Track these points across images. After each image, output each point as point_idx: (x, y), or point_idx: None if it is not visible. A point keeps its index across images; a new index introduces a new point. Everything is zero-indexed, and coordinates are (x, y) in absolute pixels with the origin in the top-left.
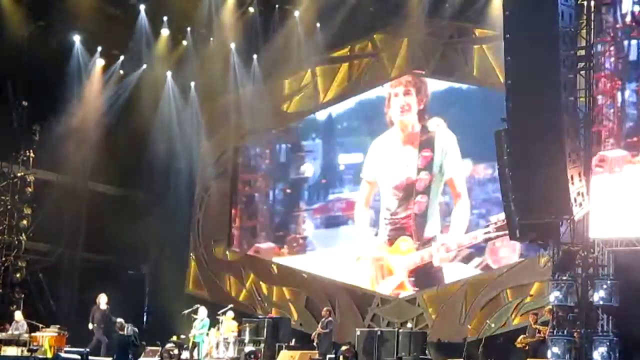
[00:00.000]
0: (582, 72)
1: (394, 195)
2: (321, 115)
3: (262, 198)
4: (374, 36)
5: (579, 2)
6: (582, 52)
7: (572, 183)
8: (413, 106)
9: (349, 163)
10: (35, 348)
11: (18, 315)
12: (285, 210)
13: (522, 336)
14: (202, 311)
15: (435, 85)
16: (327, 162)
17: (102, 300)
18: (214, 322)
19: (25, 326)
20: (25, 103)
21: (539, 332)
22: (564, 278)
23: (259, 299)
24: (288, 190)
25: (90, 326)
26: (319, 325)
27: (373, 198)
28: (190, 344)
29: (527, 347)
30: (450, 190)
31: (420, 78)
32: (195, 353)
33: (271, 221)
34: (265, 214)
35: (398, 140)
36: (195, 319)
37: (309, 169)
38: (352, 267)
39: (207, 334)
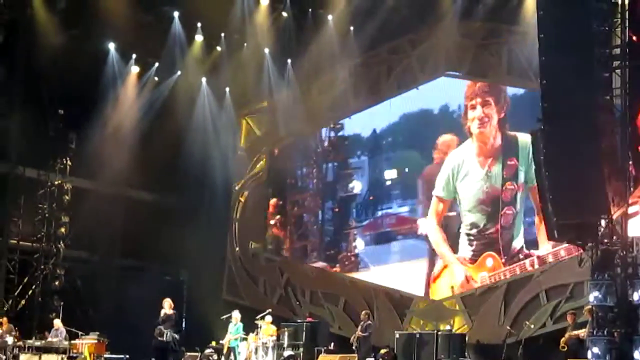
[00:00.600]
0: (618, 71)
1: (479, 209)
2: (366, 132)
3: (311, 218)
4: (408, 38)
5: (613, 0)
6: (617, 51)
7: (609, 182)
8: (493, 116)
9: (394, 178)
10: (75, 355)
11: (57, 322)
12: (335, 229)
13: (564, 337)
14: (236, 315)
15: (513, 90)
16: (374, 178)
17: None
18: (252, 327)
19: (65, 333)
20: (61, 111)
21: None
22: (603, 278)
23: (297, 303)
24: (337, 209)
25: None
26: (358, 329)
27: (446, 213)
28: (225, 350)
29: (566, 348)
30: (533, 200)
31: (498, 86)
32: (231, 358)
33: (322, 240)
34: (315, 234)
35: (476, 152)
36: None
37: (357, 186)
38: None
39: (244, 339)
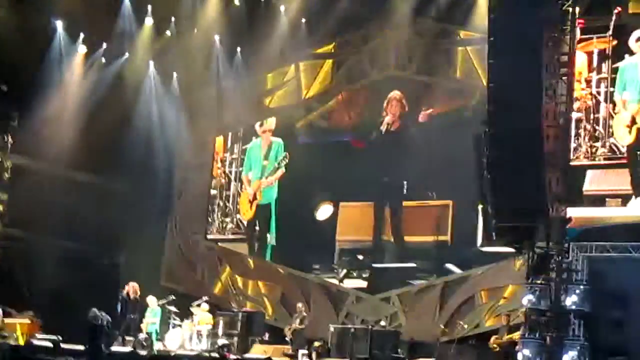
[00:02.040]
0: (564, 78)
1: None
2: None
3: None
4: (360, 33)
5: (563, 8)
6: (565, 58)
7: (550, 187)
8: None
9: None
10: (6, 335)
11: None
12: None
13: (494, 336)
14: (152, 300)
15: None
16: None
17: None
18: (187, 314)
19: (0, 312)
20: (4, 88)
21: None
22: (538, 282)
23: (234, 292)
24: None
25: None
26: (293, 320)
27: None
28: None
29: (498, 349)
30: None
31: None
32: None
33: None
34: None
35: None
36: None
37: None
38: None
39: (178, 325)
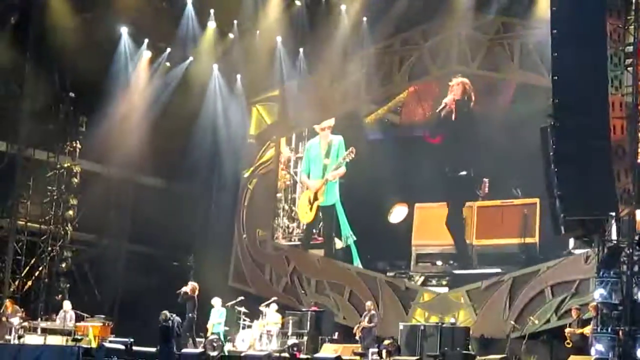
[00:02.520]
0: (630, 69)
1: None
2: None
3: None
4: (421, 30)
5: None
6: (630, 49)
7: (619, 180)
8: None
9: None
10: (79, 337)
11: (67, 304)
12: None
13: (567, 331)
14: (217, 301)
15: None
16: None
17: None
18: (257, 314)
19: (73, 316)
20: (72, 94)
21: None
22: (609, 275)
23: (302, 291)
24: None
25: None
26: (362, 319)
27: None
28: (209, 335)
29: (570, 344)
30: None
31: None
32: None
33: None
34: None
35: None
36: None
37: None
38: None
39: (249, 326)
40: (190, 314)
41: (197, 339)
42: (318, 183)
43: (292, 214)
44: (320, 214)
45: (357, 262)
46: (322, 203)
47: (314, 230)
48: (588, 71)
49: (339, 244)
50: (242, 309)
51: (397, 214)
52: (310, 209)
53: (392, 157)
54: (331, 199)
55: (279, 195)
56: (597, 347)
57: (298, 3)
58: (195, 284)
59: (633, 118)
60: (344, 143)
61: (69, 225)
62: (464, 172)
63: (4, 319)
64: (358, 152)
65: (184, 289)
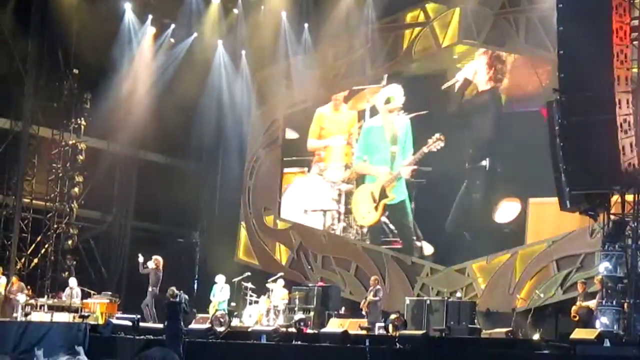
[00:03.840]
0: (635, 43)
1: None
2: None
3: None
4: (426, 5)
5: None
6: (635, 23)
7: (624, 153)
8: None
9: None
10: (87, 314)
11: (73, 281)
12: None
13: (574, 307)
14: (220, 278)
15: None
16: None
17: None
18: (264, 290)
19: (79, 293)
20: (76, 71)
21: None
22: (614, 249)
23: (309, 267)
24: None
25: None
26: (368, 294)
27: None
28: (213, 312)
29: (577, 318)
30: None
31: None
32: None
33: None
34: None
35: None
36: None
37: None
38: None
39: (256, 302)
40: (152, 288)
41: (204, 315)
42: (385, 176)
43: (343, 213)
44: (387, 215)
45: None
46: (391, 201)
47: (388, 233)
48: (593, 45)
49: (428, 248)
50: (249, 285)
51: (506, 211)
52: (376, 208)
53: (494, 139)
54: (401, 195)
55: (336, 189)
56: (602, 320)
57: None
58: (160, 259)
59: (638, 91)
60: (411, 126)
61: (75, 202)
62: None
63: (10, 296)
64: (492, 128)
65: (149, 263)
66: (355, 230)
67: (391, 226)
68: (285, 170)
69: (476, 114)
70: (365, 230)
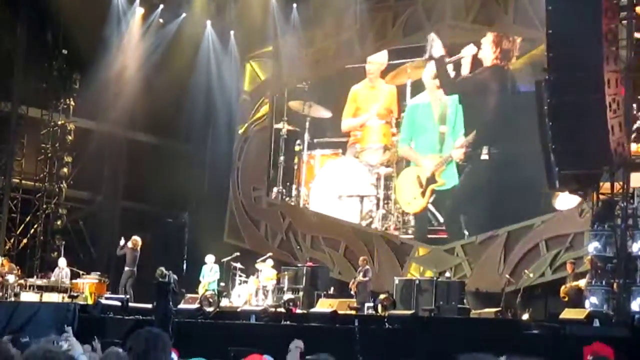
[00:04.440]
0: (624, 22)
1: None
2: None
3: None
4: None
5: None
6: (624, 2)
7: (613, 133)
8: None
9: None
10: (76, 294)
11: (62, 262)
12: None
13: (563, 287)
14: (210, 258)
15: None
16: None
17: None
18: (253, 270)
19: (68, 273)
20: (65, 52)
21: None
22: (603, 228)
23: (297, 247)
24: None
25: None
26: (357, 274)
27: None
28: (203, 292)
29: (566, 298)
30: None
31: None
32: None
33: None
34: None
35: None
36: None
37: None
38: None
39: (245, 282)
40: (127, 267)
41: (193, 295)
42: (434, 159)
43: (386, 203)
44: (433, 201)
45: None
46: (440, 187)
47: (434, 221)
48: (582, 25)
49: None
50: (238, 265)
51: (567, 198)
52: (423, 194)
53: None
54: (451, 180)
55: (374, 172)
56: (592, 300)
57: None
58: (138, 239)
59: (628, 71)
60: (459, 104)
61: (64, 182)
62: None
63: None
64: (497, 109)
65: (128, 242)
66: (395, 218)
67: (437, 215)
68: (315, 152)
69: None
70: (407, 218)
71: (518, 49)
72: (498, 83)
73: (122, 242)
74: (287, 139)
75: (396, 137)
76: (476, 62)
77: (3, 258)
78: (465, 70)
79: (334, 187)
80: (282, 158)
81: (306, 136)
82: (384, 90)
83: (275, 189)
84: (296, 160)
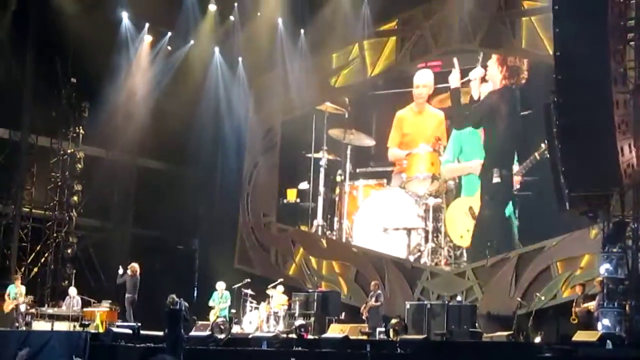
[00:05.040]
0: (632, 43)
1: None
2: None
3: None
4: (421, 9)
5: None
6: (632, 23)
7: (622, 154)
8: None
9: None
10: (87, 323)
11: (72, 290)
12: None
13: (574, 309)
14: (221, 285)
15: None
16: None
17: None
18: (264, 297)
19: (79, 301)
20: (74, 80)
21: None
22: (615, 250)
23: (308, 272)
24: None
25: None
26: (369, 299)
27: None
28: (214, 319)
29: (576, 320)
30: None
31: None
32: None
33: None
34: None
35: None
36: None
37: None
38: None
39: (256, 308)
40: (128, 295)
41: (204, 322)
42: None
43: (435, 237)
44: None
45: None
46: None
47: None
48: (590, 46)
49: None
50: (249, 291)
51: None
52: (475, 225)
53: None
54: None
55: (422, 203)
56: (604, 322)
57: None
58: (136, 266)
59: (636, 92)
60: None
61: (74, 211)
62: None
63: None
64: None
65: (127, 270)
66: (446, 252)
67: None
68: (358, 182)
69: None
70: (460, 252)
71: (527, 67)
72: (507, 104)
73: (120, 271)
74: (328, 169)
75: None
76: (484, 84)
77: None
78: (475, 94)
79: (378, 220)
80: (322, 189)
81: (348, 165)
82: (431, 116)
83: (315, 222)
84: (337, 191)
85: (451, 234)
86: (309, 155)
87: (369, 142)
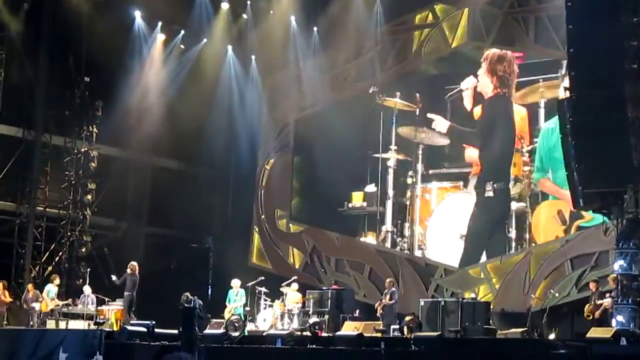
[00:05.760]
0: None
1: None
2: None
3: None
4: (434, 6)
5: None
6: None
7: (636, 151)
8: None
9: None
10: (102, 321)
11: (86, 289)
12: None
13: (587, 306)
14: (236, 282)
15: None
16: None
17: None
18: (278, 294)
19: (94, 300)
20: (87, 79)
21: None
22: (628, 246)
23: (322, 270)
24: None
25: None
26: (383, 296)
27: None
28: (228, 317)
29: (590, 317)
30: None
31: None
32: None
33: None
34: None
35: None
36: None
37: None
38: None
39: (270, 306)
40: (127, 292)
41: (218, 320)
42: None
43: (515, 238)
44: None
45: None
46: (587, 222)
47: None
48: (603, 43)
49: None
50: (263, 289)
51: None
52: (565, 231)
53: None
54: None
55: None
56: (618, 319)
57: None
58: (135, 264)
59: None
60: None
61: (88, 209)
62: None
63: (25, 305)
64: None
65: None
66: None
67: None
68: (431, 185)
69: None
70: None
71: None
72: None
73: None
74: (397, 170)
75: (529, 167)
76: (477, 95)
77: (29, 286)
78: (467, 104)
79: (455, 226)
80: (390, 192)
81: (419, 166)
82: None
83: (383, 228)
84: (408, 194)
85: (537, 240)
86: (376, 155)
87: (443, 140)
